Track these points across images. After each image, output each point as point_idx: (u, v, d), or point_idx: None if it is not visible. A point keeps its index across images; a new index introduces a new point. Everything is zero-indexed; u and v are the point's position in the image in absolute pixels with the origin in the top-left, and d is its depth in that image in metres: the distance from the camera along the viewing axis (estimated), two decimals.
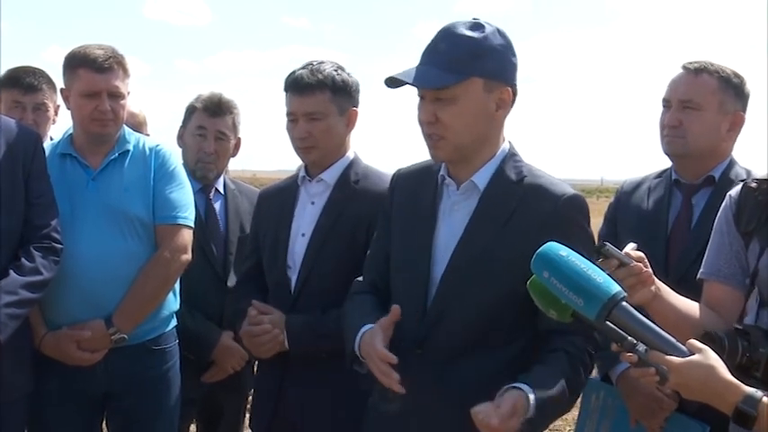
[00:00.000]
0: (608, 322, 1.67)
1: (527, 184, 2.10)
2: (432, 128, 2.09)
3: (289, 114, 2.77)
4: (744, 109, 2.76)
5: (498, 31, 2.09)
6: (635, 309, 1.71)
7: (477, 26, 2.07)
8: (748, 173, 2.71)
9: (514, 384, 1.94)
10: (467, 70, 2.03)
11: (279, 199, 2.94)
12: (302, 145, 2.76)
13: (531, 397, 1.92)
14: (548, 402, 1.95)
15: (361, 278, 2.44)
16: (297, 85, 2.73)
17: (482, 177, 2.13)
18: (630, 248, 1.94)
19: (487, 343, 2.06)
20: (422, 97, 2.11)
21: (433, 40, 2.09)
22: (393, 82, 2.08)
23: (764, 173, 2.20)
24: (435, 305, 2.12)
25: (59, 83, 3.09)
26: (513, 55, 2.11)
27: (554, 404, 1.98)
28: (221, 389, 3.41)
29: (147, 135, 3.26)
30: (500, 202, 2.10)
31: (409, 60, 2.14)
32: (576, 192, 2.10)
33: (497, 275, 2.05)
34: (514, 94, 2.12)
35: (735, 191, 2.18)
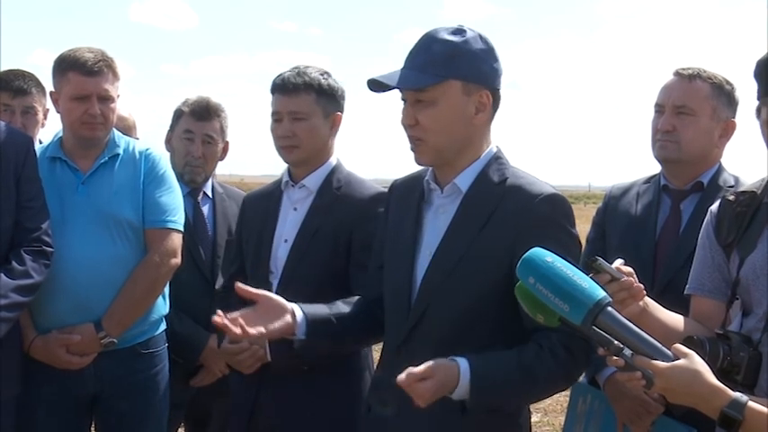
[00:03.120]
0: (594, 327, 1.68)
1: (508, 185, 2.10)
2: (412, 131, 2.12)
3: (273, 114, 2.80)
4: (734, 116, 2.77)
5: (480, 36, 2.10)
6: (621, 314, 1.72)
7: (458, 31, 2.09)
8: (736, 179, 2.72)
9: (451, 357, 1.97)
10: (444, 72, 2.05)
11: (263, 204, 2.94)
12: (285, 144, 2.78)
13: (464, 365, 1.93)
14: (489, 376, 1.96)
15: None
16: (283, 86, 2.77)
17: (465, 180, 2.14)
18: (619, 263, 1.94)
19: (470, 343, 2.05)
20: (404, 100, 2.14)
21: (415, 45, 2.12)
22: (374, 84, 2.11)
23: (753, 180, 2.21)
24: (417, 307, 2.13)
25: (47, 86, 3.08)
26: (495, 60, 2.12)
27: (500, 381, 1.98)
28: (209, 392, 3.40)
29: (137, 139, 3.26)
30: (480, 204, 2.10)
31: (395, 66, 2.15)
32: (556, 191, 2.08)
33: (477, 275, 2.06)
34: (496, 98, 2.13)
35: (715, 205, 2.20)
